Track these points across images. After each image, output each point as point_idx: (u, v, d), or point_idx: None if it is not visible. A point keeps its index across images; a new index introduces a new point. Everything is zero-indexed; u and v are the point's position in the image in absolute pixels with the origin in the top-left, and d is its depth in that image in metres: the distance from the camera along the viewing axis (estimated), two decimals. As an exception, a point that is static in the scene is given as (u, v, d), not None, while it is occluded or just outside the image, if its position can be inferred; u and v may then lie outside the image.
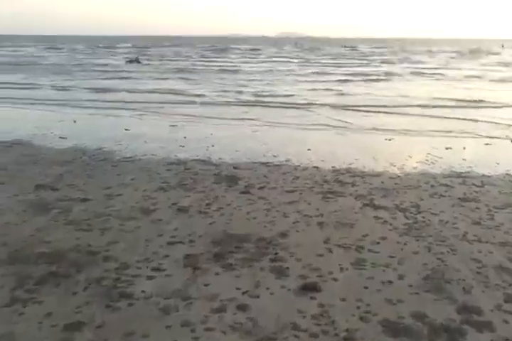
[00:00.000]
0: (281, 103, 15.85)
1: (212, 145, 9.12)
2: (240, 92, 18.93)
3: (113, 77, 24.81)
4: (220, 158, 8.12)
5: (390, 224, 5.28)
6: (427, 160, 8.31)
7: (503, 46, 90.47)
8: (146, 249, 4.50)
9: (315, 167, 7.70)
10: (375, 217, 5.50)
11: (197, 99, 16.63)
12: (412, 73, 29.85)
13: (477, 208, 5.82)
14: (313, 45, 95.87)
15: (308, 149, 9.05)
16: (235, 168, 7.50)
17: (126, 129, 10.64)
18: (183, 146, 9.00)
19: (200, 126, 11.54)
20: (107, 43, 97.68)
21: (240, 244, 4.63)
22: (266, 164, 7.81)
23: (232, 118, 12.61)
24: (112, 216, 5.32)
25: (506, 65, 39.19)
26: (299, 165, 7.79)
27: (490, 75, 27.90)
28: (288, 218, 5.39)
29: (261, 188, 6.49)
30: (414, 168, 7.79)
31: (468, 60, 48.26)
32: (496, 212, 5.66)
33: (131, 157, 8.06)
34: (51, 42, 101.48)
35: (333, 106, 15.18)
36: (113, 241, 4.68)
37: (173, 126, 11.32)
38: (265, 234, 4.90)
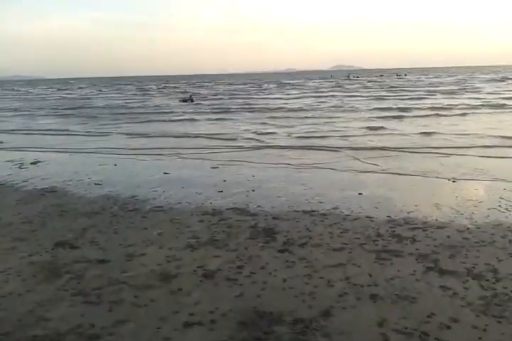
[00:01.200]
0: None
1: (253, 190, 8.35)
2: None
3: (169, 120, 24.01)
4: (258, 206, 7.30)
5: (462, 298, 4.21)
6: (500, 206, 7.10)
7: None
8: (156, 334, 3.71)
9: (367, 217, 6.70)
10: (441, 286, 4.44)
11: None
12: (483, 105, 26.23)
13: None
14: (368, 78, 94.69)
15: (360, 193, 8.08)
16: (274, 218, 6.67)
17: (165, 173, 10.12)
18: (222, 191, 8.29)
19: (242, 167, 10.83)
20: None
21: (270, 328, 3.74)
22: (310, 213, 6.90)
23: (277, 162, 11.73)
24: (127, 284, 4.60)
25: None
26: (348, 215, 6.82)
27: None
28: (333, 288, 4.45)
29: (302, 245, 5.59)
30: (486, 216, 6.61)
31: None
32: None
33: (162, 206, 7.41)
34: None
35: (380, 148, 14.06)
36: (121, 319, 3.94)
37: (215, 168, 10.70)
38: (303, 313, 3.98)
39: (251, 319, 3.90)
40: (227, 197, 7.88)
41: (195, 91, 47.99)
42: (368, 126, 18.10)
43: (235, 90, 55.64)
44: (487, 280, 4.55)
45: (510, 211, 6.83)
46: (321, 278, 4.67)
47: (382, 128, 17.37)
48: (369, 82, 69.80)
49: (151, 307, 4.16)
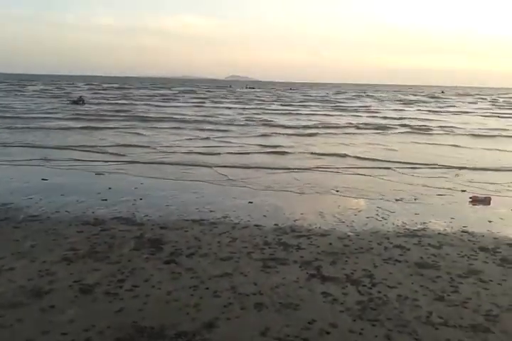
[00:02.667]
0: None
1: (141, 199, 8.03)
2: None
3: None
4: (146, 215, 7.02)
5: (341, 304, 4.37)
6: (377, 214, 7.60)
7: (442, 92, 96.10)
8: (19, 359, 3.33)
9: (256, 225, 6.76)
10: (323, 293, 4.58)
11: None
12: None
13: (438, 277, 5.05)
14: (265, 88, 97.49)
15: (250, 202, 8.16)
16: (162, 227, 6.44)
17: (43, 179, 9.35)
18: (106, 200, 7.85)
19: (130, 173, 10.39)
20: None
21: (151, 344, 3.55)
22: (199, 222, 6.79)
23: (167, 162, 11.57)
24: (-10, 303, 4.10)
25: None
26: (237, 223, 6.83)
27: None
28: (218, 299, 4.37)
29: (190, 255, 5.45)
30: (365, 224, 7.03)
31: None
32: (459, 283, 4.90)
33: (38, 215, 6.80)
34: None
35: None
36: (-22, 344, 3.48)
37: (99, 174, 10.14)
38: (187, 326, 3.84)
39: (130, 335, 3.67)
40: (112, 206, 7.47)
41: (84, 94, 45.26)
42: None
43: (124, 95, 53.47)
44: (364, 285, 4.79)
45: (386, 220, 7.32)
46: (207, 288, 4.57)
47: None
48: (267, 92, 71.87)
49: (16, 328, 3.73)
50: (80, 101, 35.40)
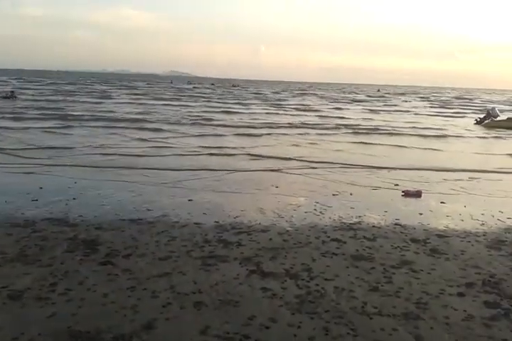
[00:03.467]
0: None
1: (74, 198, 7.71)
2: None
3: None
4: (80, 216, 6.76)
5: (281, 298, 4.42)
6: (315, 209, 7.76)
7: (379, 90, 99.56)
8: None
9: (196, 223, 6.70)
10: (262, 288, 4.61)
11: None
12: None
13: (372, 268, 5.24)
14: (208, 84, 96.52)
15: (190, 200, 8.07)
16: (97, 228, 6.23)
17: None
18: (36, 200, 7.47)
19: (64, 172, 9.96)
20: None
21: (86, 349, 3.42)
22: (137, 221, 6.63)
23: (102, 166, 11.17)
24: None
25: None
26: (177, 222, 6.73)
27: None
28: (157, 299, 4.28)
29: (127, 256, 5.30)
30: (303, 219, 7.16)
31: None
32: (393, 273, 5.11)
33: (-39, 218, 6.39)
34: None
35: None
36: None
37: (29, 173, 9.64)
38: (124, 328, 3.74)
39: (63, 341, 3.52)
40: (43, 207, 7.13)
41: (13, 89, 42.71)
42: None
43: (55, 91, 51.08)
44: (302, 279, 4.88)
45: (323, 214, 7.50)
46: (145, 289, 4.47)
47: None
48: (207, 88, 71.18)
49: None
50: (11, 96, 33.50)
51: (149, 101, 38.40)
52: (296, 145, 16.40)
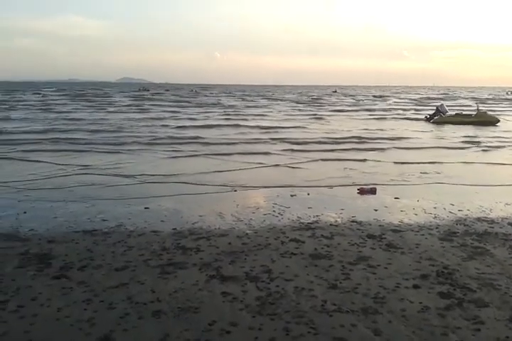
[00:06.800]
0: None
1: (24, 212, 7.44)
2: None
3: None
4: (31, 230, 6.52)
5: (241, 301, 4.41)
6: (274, 211, 7.81)
7: (335, 91, 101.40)
8: None
9: (153, 231, 6.59)
10: (222, 293, 4.58)
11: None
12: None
13: (331, 266, 5.31)
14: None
15: (146, 207, 7.94)
16: (50, 241, 6.02)
17: None
18: (-16, 216, 7.17)
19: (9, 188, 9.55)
20: None
21: (38, 367, 3.29)
22: (91, 232, 6.46)
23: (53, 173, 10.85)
24: None
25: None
26: (133, 231, 6.60)
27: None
28: (114, 310, 4.18)
29: (82, 268, 5.15)
30: (262, 221, 7.18)
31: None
32: (350, 270, 5.20)
33: None
34: None
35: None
36: None
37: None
38: (80, 343, 3.63)
39: (15, 361, 3.38)
40: (-8, 222, 6.84)
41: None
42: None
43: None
44: (262, 281, 4.88)
45: (282, 215, 7.55)
46: (102, 301, 4.35)
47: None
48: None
49: None
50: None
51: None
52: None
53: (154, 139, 18.22)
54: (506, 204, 8.46)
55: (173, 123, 25.53)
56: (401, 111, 38.78)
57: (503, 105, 50.59)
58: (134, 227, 6.76)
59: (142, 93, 78.69)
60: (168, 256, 5.60)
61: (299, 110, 39.67)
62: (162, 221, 7.16)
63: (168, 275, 4.99)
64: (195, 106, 43.02)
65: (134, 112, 34.32)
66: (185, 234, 6.47)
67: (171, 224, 6.94)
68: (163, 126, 24.12)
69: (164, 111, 35.03)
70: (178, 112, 34.57)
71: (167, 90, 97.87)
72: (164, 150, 15.45)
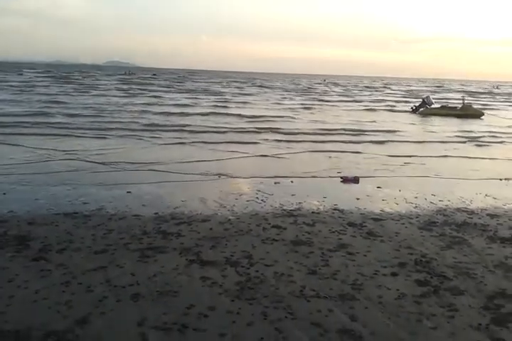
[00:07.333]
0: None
1: (4, 193, 7.33)
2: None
3: None
4: (10, 211, 6.44)
5: (220, 286, 4.43)
6: (257, 198, 7.82)
7: (325, 80, 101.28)
8: None
9: (134, 215, 6.56)
10: (202, 277, 4.59)
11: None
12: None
13: (311, 253, 5.35)
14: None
15: (128, 191, 7.89)
16: (29, 223, 5.95)
17: None
18: (-38, 197, 7.06)
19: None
20: None
21: (14, 349, 3.27)
22: (72, 215, 6.40)
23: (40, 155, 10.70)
24: None
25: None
26: (114, 214, 6.56)
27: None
28: (92, 293, 4.16)
29: (61, 251, 5.11)
30: (245, 208, 7.19)
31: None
32: (330, 257, 5.24)
33: None
34: None
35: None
36: None
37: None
38: (57, 325, 3.61)
39: (-10, 342, 3.35)
40: (-30, 203, 6.74)
41: None
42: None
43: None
44: (242, 266, 4.90)
45: (265, 202, 7.57)
46: (80, 284, 4.33)
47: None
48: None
49: None
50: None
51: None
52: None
53: (139, 125, 17.98)
54: (486, 195, 8.59)
55: (159, 109, 25.09)
56: (390, 103, 38.89)
57: (490, 99, 51.02)
58: (116, 211, 6.72)
59: (129, 76, 77.48)
60: (148, 240, 5.58)
61: (290, 99, 39.45)
62: (144, 205, 7.12)
63: (147, 259, 4.98)
64: (183, 92, 42.52)
65: (120, 97, 33.78)
66: (166, 219, 6.45)
67: (152, 209, 6.91)
68: (147, 111, 23.73)
69: (150, 97, 34.53)
70: (165, 98, 34.12)
71: (154, 74, 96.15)
72: (150, 137, 15.23)
